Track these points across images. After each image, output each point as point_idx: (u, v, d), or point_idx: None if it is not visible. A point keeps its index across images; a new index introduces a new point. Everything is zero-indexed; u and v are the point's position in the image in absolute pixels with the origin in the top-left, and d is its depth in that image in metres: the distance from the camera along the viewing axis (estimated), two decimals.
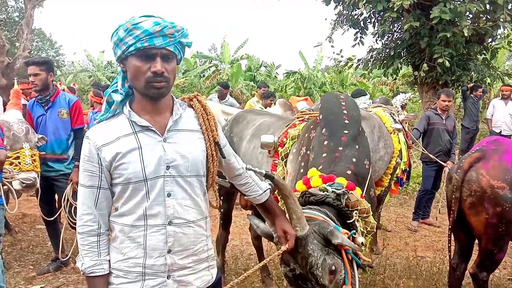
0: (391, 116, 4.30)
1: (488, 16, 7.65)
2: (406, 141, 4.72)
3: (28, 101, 6.31)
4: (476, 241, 2.94)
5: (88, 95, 6.68)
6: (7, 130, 3.37)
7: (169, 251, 1.46)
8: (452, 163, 5.01)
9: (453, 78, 8.38)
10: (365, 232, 2.08)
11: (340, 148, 2.27)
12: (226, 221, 3.62)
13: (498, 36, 7.77)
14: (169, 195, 1.44)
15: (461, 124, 9.14)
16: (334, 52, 9.92)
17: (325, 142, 2.31)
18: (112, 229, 1.49)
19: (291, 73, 19.37)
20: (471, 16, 7.74)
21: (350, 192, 2.02)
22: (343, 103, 2.51)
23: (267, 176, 1.72)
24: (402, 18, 8.03)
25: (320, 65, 21.30)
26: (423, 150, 5.10)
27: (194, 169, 1.49)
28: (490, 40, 7.76)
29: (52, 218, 3.84)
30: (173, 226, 1.45)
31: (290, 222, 1.72)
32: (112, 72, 23.67)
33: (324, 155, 2.28)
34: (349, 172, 2.19)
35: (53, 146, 3.72)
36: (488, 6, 7.40)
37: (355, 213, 2.00)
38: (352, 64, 10.14)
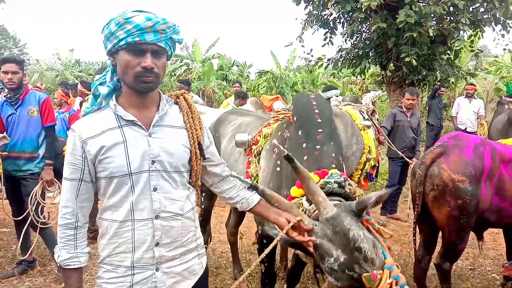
0: (361, 113, 4.41)
1: (451, 18, 7.95)
2: (378, 137, 4.86)
3: None
4: (440, 233, 3.06)
5: (55, 94, 6.50)
6: None
7: (157, 244, 1.46)
8: (417, 160, 5.18)
9: (419, 77, 8.64)
10: None
11: (318, 147, 2.31)
12: (205, 218, 3.65)
13: (459, 38, 8.06)
14: (155, 189, 1.45)
15: (426, 122, 9.44)
16: (304, 52, 10.04)
17: (304, 145, 2.34)
18: (100, 226, 1.50)
19: (263, 73, 19.46)
20: (435, 17, 8.01)
21: (346, 179, 2.07)
22: (314, 103, 2.54)
23: (252, 187, 1.72)
24: (370, 19, 8.22)
25: (292, 65, 21.50)
26: (391, 146, 5.25)
27: (177, 165, 1.50)
28: (453, 41, 8.05)
29: (20, 218, 3.71)
30: (160, 220, 1.46)
31: (317, 205, 1.71)
32: (80, 71, 23.08)
33: (305, 157, 2.31)
34: (333, 165, 2.23)
35: (23, 145, 3.62)
36: (451, 8, 7.68)
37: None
38: (322, 64, 10.29)
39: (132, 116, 1.44)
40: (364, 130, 4.14)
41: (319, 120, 2.41)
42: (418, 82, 8.91)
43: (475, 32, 8.42)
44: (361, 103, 4.70)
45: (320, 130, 2.36)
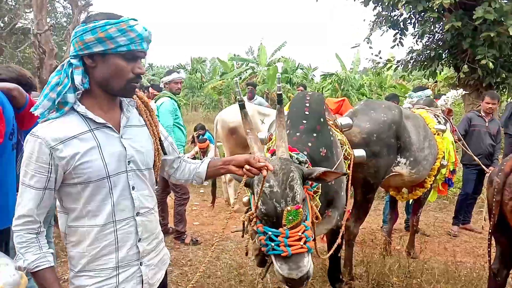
0: (436, 117, 4.22)
1: None
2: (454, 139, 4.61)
3: None
4: None
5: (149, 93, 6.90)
6: None
7: (139, 240, 1.52)
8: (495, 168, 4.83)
9: (497, 80, 8.07)
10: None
11: (298, 134, 2.53)
12: None
13: None
14: (133, 188, 1.50)
15: (505, 132, 8.77)
16: (372, 54, 9.80)
17: (287, 131, 2.51)
18: (74, 234, 1.45)
19: (328, 75, 19.24)
20: None
21: (307, 162, 2.28)
22: (307, 98, 2.74)
23: (239, 102, 2.02)
24: (443, 19, 7.84)
25: (358, 67, 21.05)
26: (466, 149, 4.94)
27: (147, 162, 1.55)
28: None
29: None
30: (141, 216, 1.52)
31: (277, 148, 2.01)
32: (153, 75, 24.37)
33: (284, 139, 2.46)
34: (305, 153, 2.38)
35: None
36: None
37: None
38: (391, 66, 9.97)
39: (103, 119, 1.44)
40: (438, 135, 3.96)
41: (306, 113, 2.63)
42: (496, 85, 8.33)
43: None
44: (436, 107, 4.47)
45: (304, 122, 2.59)
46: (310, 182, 2.15)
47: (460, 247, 4.85)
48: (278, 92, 2.05)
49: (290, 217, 1.88)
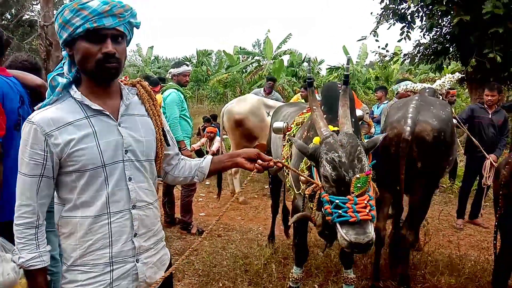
0: None
1: None
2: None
3: None
4: None
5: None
6: None
7: (135, 235, 1.44)
8: (495, 157, 4.81)
9: (505, 74, 8.01)
10: None
11: (338, 118, 2.51)
12: (274, 192, 4.35)
13: None
14: (130, 179, 1.42)
15: None
16: (379, 47, 9.75)
17: (325, 116, 2.50)
18: (66, 225, 1.39)
19: (334, 69, 19.17)
20: None
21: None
22: (339, 85, 2.75)
23: (309, 80, 2.25)
24: (451, 12, 7.79)
25: (365, 61, 20.95)
26: (462, 127, 4.87)
27: (147, 153, 1.48)
28: None
29: None
30: (137, 210, 1.44)
31: (341, 125, 2.19)
32: (159, 67, 24.38)
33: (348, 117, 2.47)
34: None
35: None
36: None
37: None
38: (398, 59, 9.93)
39: (99, 106, 1.37)
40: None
41: None
42: (504, 80, 8.26)
43: None
44: (438, 97, 4.43)
45: None
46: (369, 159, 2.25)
47: (465, 240, 4.86)
48: (346, 73, 2.28)
49: (359, 184, 1.94)
